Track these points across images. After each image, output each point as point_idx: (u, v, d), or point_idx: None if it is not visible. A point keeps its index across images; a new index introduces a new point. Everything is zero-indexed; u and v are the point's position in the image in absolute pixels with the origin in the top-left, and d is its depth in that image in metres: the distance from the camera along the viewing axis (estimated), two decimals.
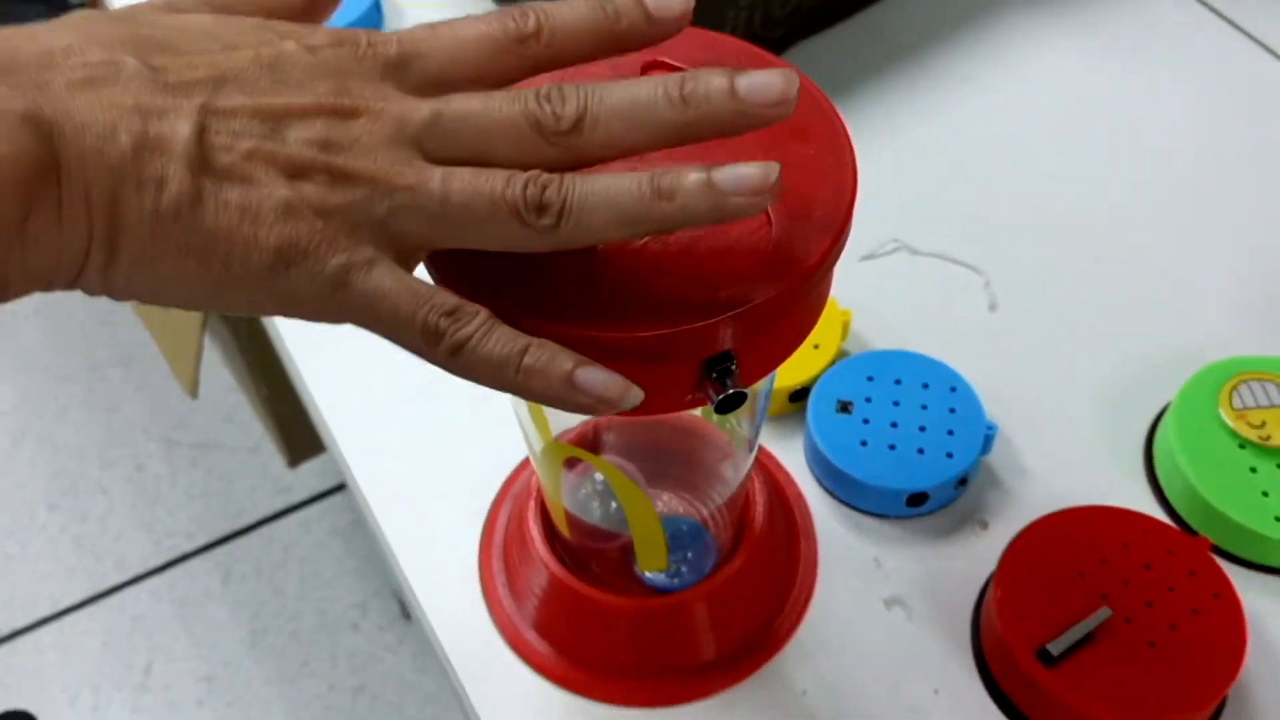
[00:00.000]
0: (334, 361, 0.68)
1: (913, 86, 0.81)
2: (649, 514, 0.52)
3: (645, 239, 0.40)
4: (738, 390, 0.39)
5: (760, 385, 0.50)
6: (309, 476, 1.67)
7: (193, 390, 1.28)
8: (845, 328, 0.65)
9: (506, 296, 0.38)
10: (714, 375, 0.39)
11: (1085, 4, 0.86)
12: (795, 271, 0.38)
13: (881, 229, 0.73)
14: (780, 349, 0.41)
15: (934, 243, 0.72)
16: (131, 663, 1.54)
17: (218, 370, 1.76)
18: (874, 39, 0.84)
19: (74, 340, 1.86)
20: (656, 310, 0.37)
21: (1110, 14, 0.86)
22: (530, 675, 0.57)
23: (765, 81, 0.36)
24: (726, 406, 0.39)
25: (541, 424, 0.50)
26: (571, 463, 0.56)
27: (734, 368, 0.39)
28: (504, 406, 0.62)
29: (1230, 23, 0.85)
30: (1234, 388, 0.62)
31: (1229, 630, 0.54)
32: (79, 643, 1.57)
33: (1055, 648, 0.52)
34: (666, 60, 0.44)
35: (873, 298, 0.69)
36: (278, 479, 1.70)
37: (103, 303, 1.86)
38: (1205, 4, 0.86)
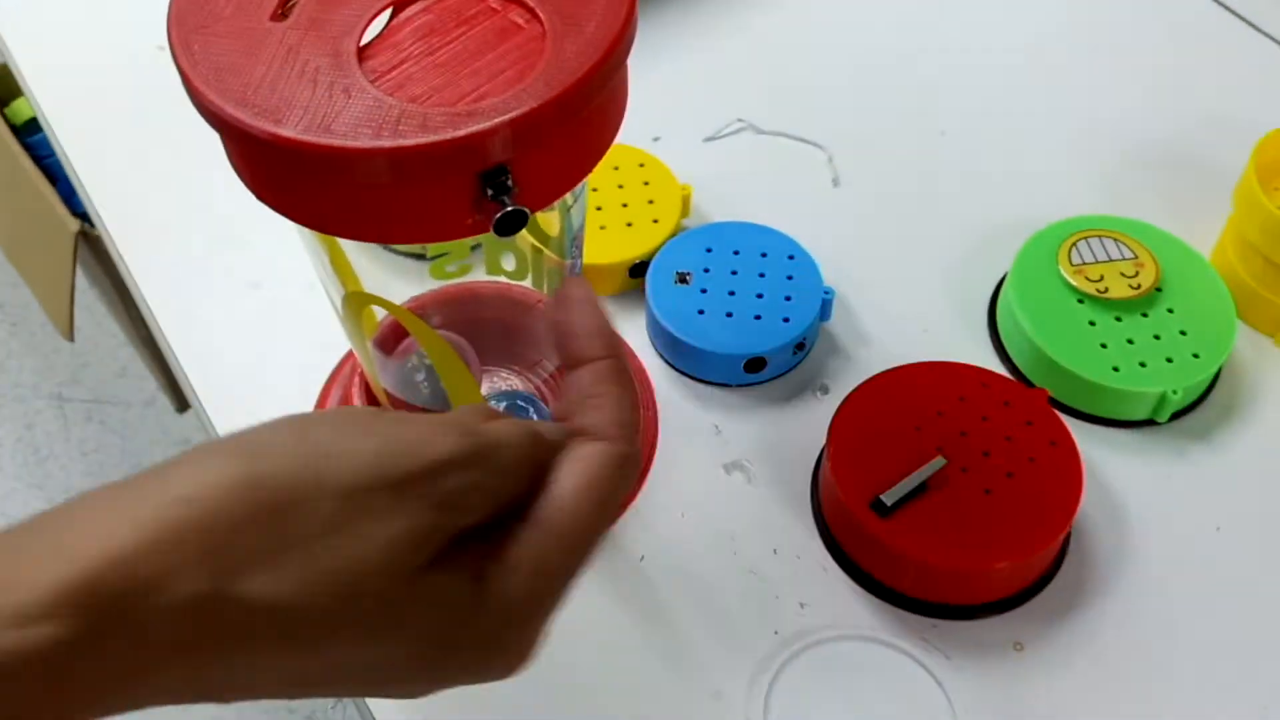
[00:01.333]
0: (174, 279, 0.66)
1: None
2: (465, 378, 0.50)
3: (412, 50, 0.38)
4: (517, 208, 0.37)
5: (567, 230, 0.48)
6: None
7: (67, 331, 1.24)
8: (685, 202, 0.64)
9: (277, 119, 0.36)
10: (489, 192, 0.37)
11: None
12: (567, 80, 0.37)
13: (726, 110, 0.72)
14: (564, 169, 0.39)
15: (778, 122, 0.71)
16: None
17: (106, 324, 1.72)
18: None
19: None
20: (420, 121, 0.36)
21: None
22: None
23: None
24: (506, 227, 0.37)
25: (345, 274, 0.48)
26: (389, 344, 0.55)
27: (509, 183, 0.37)
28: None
29: None
30: (1072, 245, 0.62)
31: (1065, 475, 0.53)
32: None
33: (889, 498, 0.52)
34: None
35: (717, 177, 0.67)
36: (176, 431, 1.66)
37: None
38: None
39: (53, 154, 1.31)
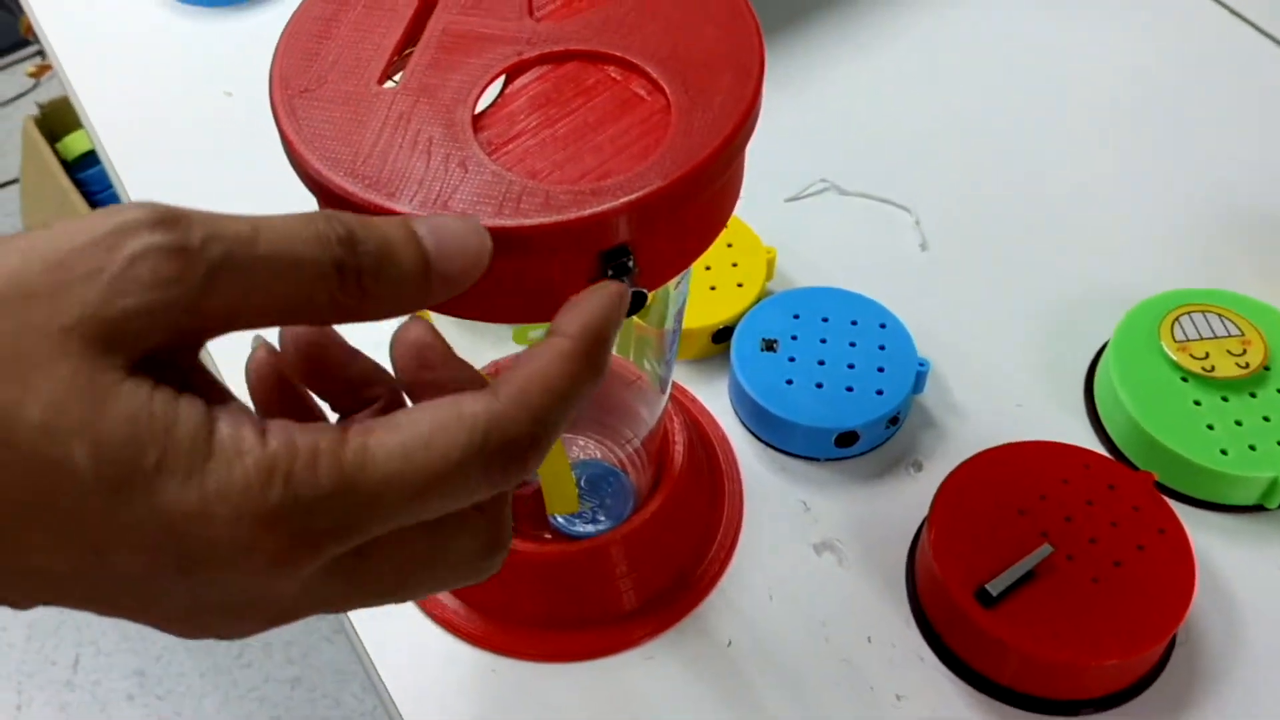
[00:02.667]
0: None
1: (840, 26, 0.78)
2: (554, 449, 0.48)
3: (530, 122, 0.36)
4: (637, 290, 0.35)
5: (670, 304, 0.46)
6: None
7: None
8: (770, 266, 0.62)
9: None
10: (610, 273, 0.35)
11: None
12: (695, 158, 0.35)
13: (809, 169, 0.70)
14: (684, 247, 0.37)
15: (862, 182, 0.69)
16: (57, 658, 1.48)
17: None
18: None
19: None
20: (543, 199, 0.34)
21: None
22: (438, 632, 0.52)
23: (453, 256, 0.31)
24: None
25: None
26: None
27: (631, 264, 0.35)
28: None
29: None
30: (1174, 320, 0.59)
31: (1177, 566, 0.51)
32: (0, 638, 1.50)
33: (994, 587, 0.49)
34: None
35: (799, 238, 0.65)
36: None
37: None
38: None
39: (103, 190, 1.30)
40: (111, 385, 0.26)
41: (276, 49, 0.38)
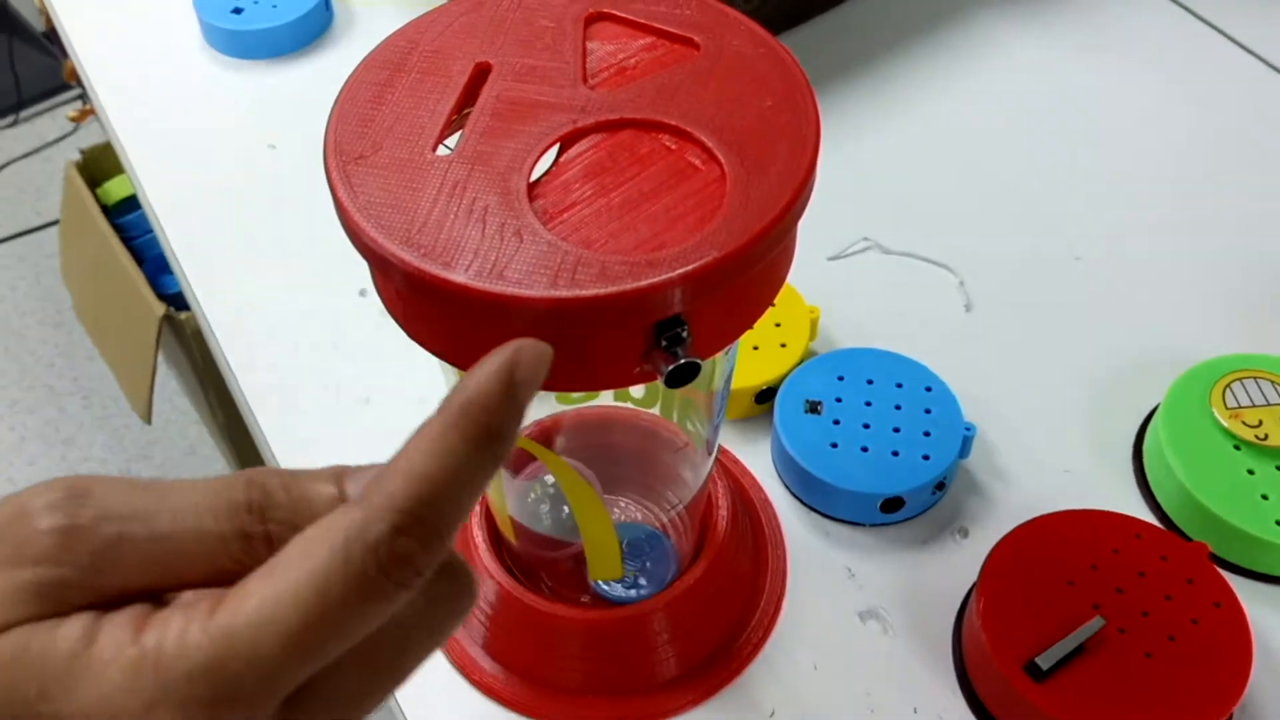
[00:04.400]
0: (274, 381, 0.64)
1: (882, 85, 0.78)
2: (600, 514, 0.47)
3: (585, 191, 0.36)
4: (690, 360, 0.35)
5: (717, 368, 0.46)
6: None
7: (145, 414, 1.23)
8: (813, 326, 0.61)
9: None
10: (663, 343, 0.35)
11: (1055, 4, 0.84)
12: (751, 229, 0.34)
13: (851, 228, 0.69)
14: (737, 317, 0.37)
15: (905, 242, 0.69)
16: None
17: (177, 400, 1.71)
18: (843, 36, 0.81)
19: (32, 371, 1.81)
20: (599, 270, 0.33)
21: (1082, 14, 0.83)
22: (477, 697, 0.52)
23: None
24: (678, 379, 0.35)
25: None
26: (518, 466, 0.52)
27: (685, 335, 0.35)
28: None
29: (1203, 20, 0.82)
30: (1227, 386, 0.58)
31: (1233, 641, 0.49)
32: None
33: (1044, 661, 0.48)
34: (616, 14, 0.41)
35: (842, 298, 0.65)
36: None
37: (62, 333, 1.82)
38: (1177, 3, 0.83)
39: (141, 235, 1.31)
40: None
41: (331, 115, 0.38)
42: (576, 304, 0.33)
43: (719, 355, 0.45)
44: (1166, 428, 0.57)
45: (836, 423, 0.57)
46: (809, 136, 0.37)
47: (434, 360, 0.38)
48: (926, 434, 0.57)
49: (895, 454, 0.56)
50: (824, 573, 0.55)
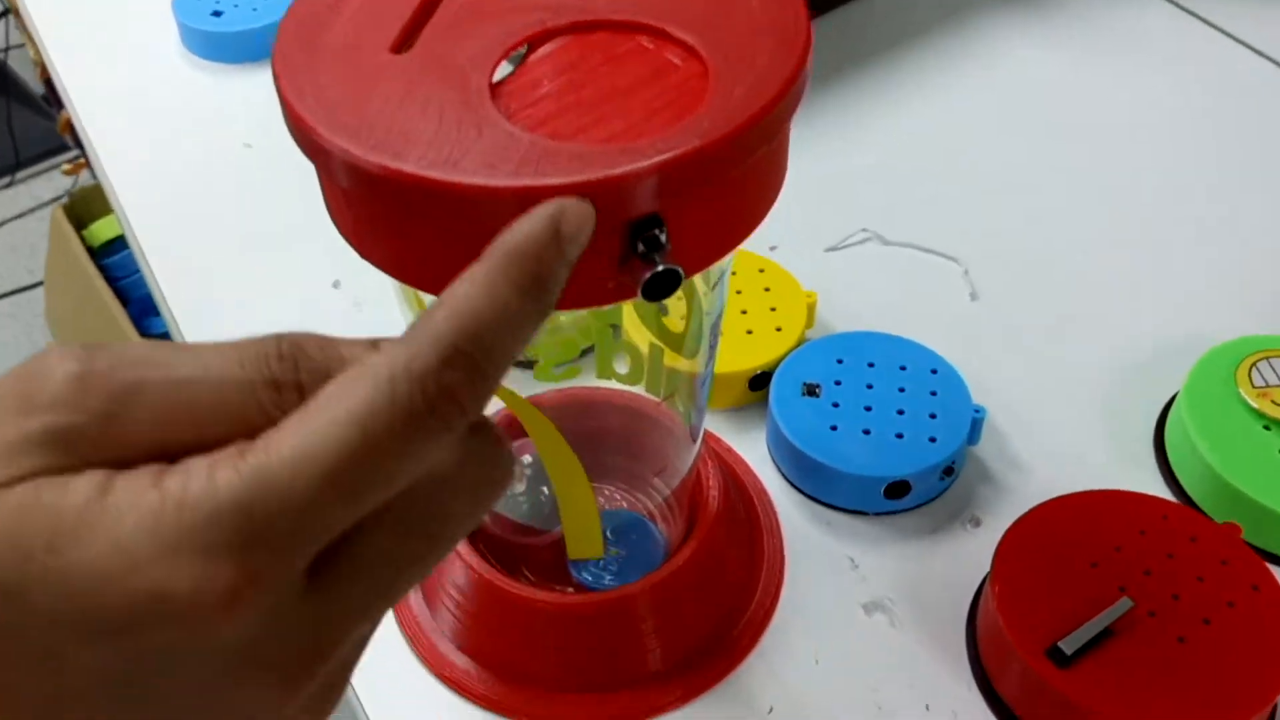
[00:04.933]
0: None
1: (881, 81, 0.75)
2: (578, 479, 0.43)
3: (552, 87, 0.33)
4: (669, 267, 0.31)
5: (703, 310, 0.42)
6: None
7: None
8: (811, 311, 0.58)
9: (398, 152, 0.30)
10: (640, 248, 0.31)
11: (1056, 5, 0.81)
12: (735, 120, 0.31)
13: (849, 219, 0.66)
14: (721, 227, 0.34)
15: (906, 233, 0.66)
16: None
17: None
18: (844, 34, 0.79)
19: None
20: (566, 158, 0.30)
21: (1082, 15, 0.81)
22: (447, 694, 0.48)
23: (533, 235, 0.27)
24: (656, 289, 0.31)
25: None
26: None
27: (663, 238, 0.31)
28: None
29: (1203, 20, 0.80)
30: (1252, 366, 0.55)
31: (1275, 624, 0.45)
32: None
33: (1068, 645, 0.44)
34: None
35: (841, 288, 0.62)
36: None
37: None
38: (1177, 4, 0.81)
39: (126, 276, 1.29)
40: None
41: (281, 22, 0.35)
42: (542, 193, 0.29)
43: (698, 305, 0.42)
44: (1191, 411, 0.54)
45: (836, 405, 0.54)
46: (799, 32, 0.34)
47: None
48: (933, 416, 0.53)
49: (899, 436, 0.52)
50: (825, 563, 0.51)
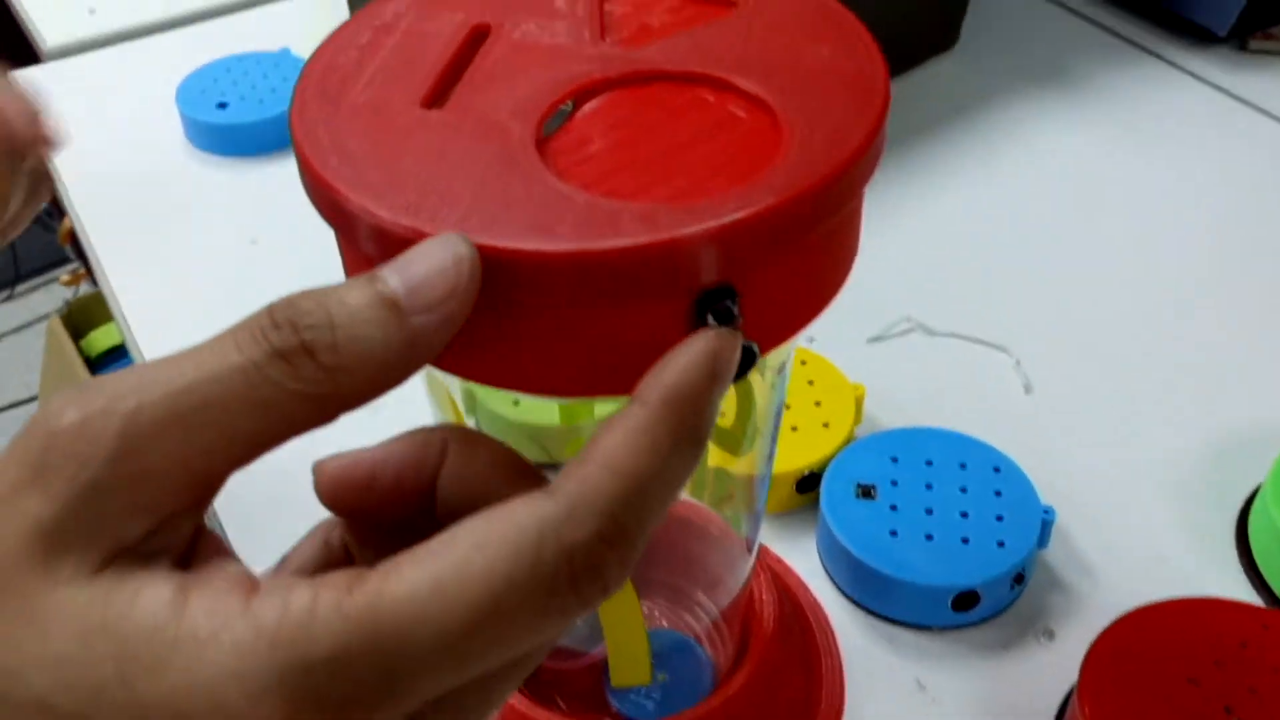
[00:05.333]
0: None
1: (916, 167, 0.72)
2: (627, 599, 0.39)
3: (606, 143, 0.29)
4: (745, 343, 0.27)
5: (762, 409, 0.38)
6: None
7: None
8: (858, 405, 0.54)
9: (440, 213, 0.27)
10: (710, 321, 0.27)
11: (1101, 87, 0.79)
12: (817, 173, 0.27)
13: (892, 308, 0.63)
14: (796, 299, 0.30)
15: (951, 322, 0.62)
16: None
17: None
18: (891, 111, 0.76)
19: None
20: (627, 219, 0.26)
21: (1120, 95, 0.78)
22: None
23: (428, 279, 0.24)
24: None
25: None
26: None
27: (736, 310, 0.27)
28: None
29: (1240, 99, 0.77)
30: None
31: None
32: None
33: None
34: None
35: (886, 380, 0.57)
36: None
37: None
38: (1216, 87, 0.78)
39: None
40: (47, 602, 0.22)
41: (298, 80, 0.31)
42: (600, 260, 0.25)
43: (749, 396, 0.38)
44: (1277, 504, 0.49)
45: (894, 508, 0.49)
46: (877, 81, 0.30)
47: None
48: (999, 518, 0.49)
49: (965, 541, 0.48)
50: (889, 686, 0.46)
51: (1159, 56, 0.82)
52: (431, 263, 0.24)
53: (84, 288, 1.73)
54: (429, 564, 0.22)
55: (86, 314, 1.27)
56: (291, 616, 0.21)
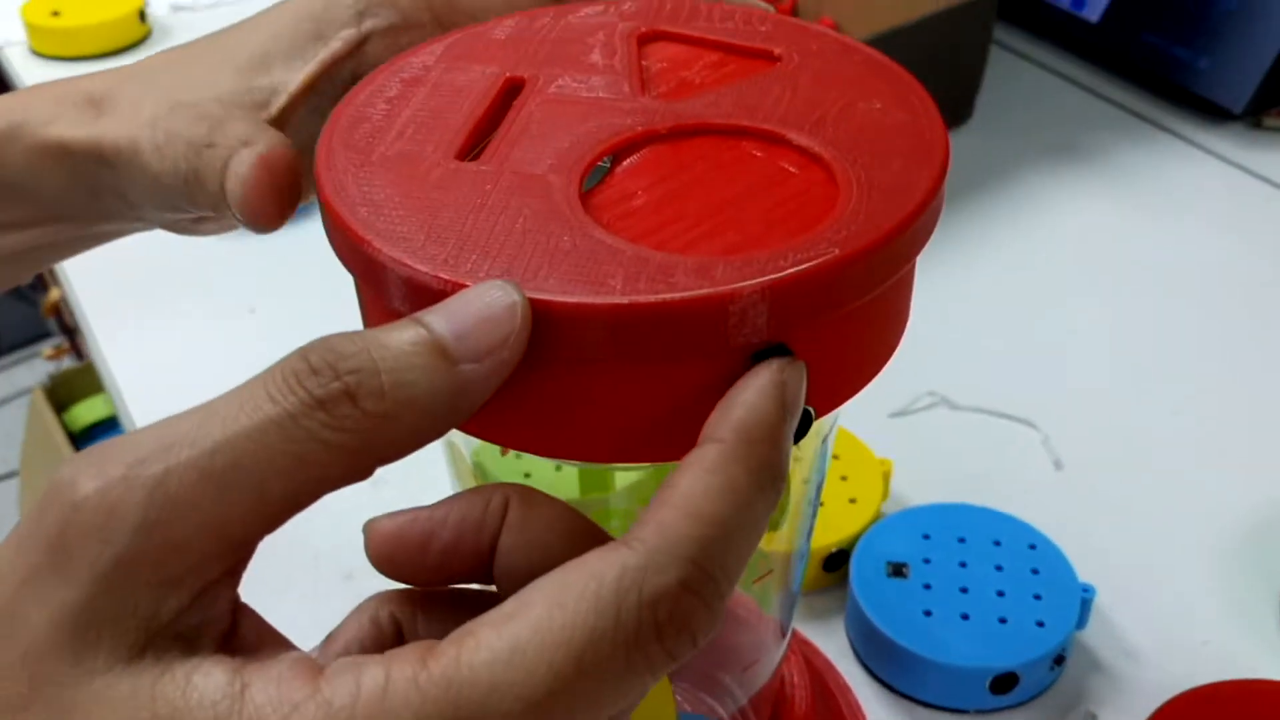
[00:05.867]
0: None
1: (941, 238, 0.70)
2: (659, 687, 0.37)
3: (651, 196, 0.28)
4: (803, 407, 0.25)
5: (804, 484, 0.36)
6: None
7: None
8: (886, 481, 0.52)
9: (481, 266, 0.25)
10: None
11: (1116, 162, 0.79)
12: (879, 227, 0.26)
13: (914, 382, 0.61)
14: (851, 360, 0.28)
15: (975, 397, 0.60)
16: None
17: None
18: None
19: None
20: (678, 272, 0.25)
21: (1137, 169, 0.78)
22: None
23: (479, 325, 0.23)
24: None
25: None
26: None
27: None
28: None
29: (1258, 176, 0.77)
30: None
31: None
32: None
33: None
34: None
35: (912, 456, 0.56)
36: None
37: None
38: (1232, 163, 0.78)
39: None
40: (85, 694, 0.20)
41: (324, 131, 0.30)
42: (653, 312, 0.24)
43: (804, 452, 0.36)
44: None
45: (927, 587, 0.47)
46: (935, 134, 0.29)
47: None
48: (1037, 597, 0.47)
49: (1003, 621, 0.46)
50: None
51: (1174, 133, 0.82)
52: (482, 308, 0.23)
53: (67, 362, 1.71)
54: (506, 628, 0.20)
55: (70, 388, 1.25)
56: (366, 695, 0.19)
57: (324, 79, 0.34)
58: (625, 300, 0.24)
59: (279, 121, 0.34)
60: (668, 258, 0.25)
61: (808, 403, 0.26)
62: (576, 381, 0.26)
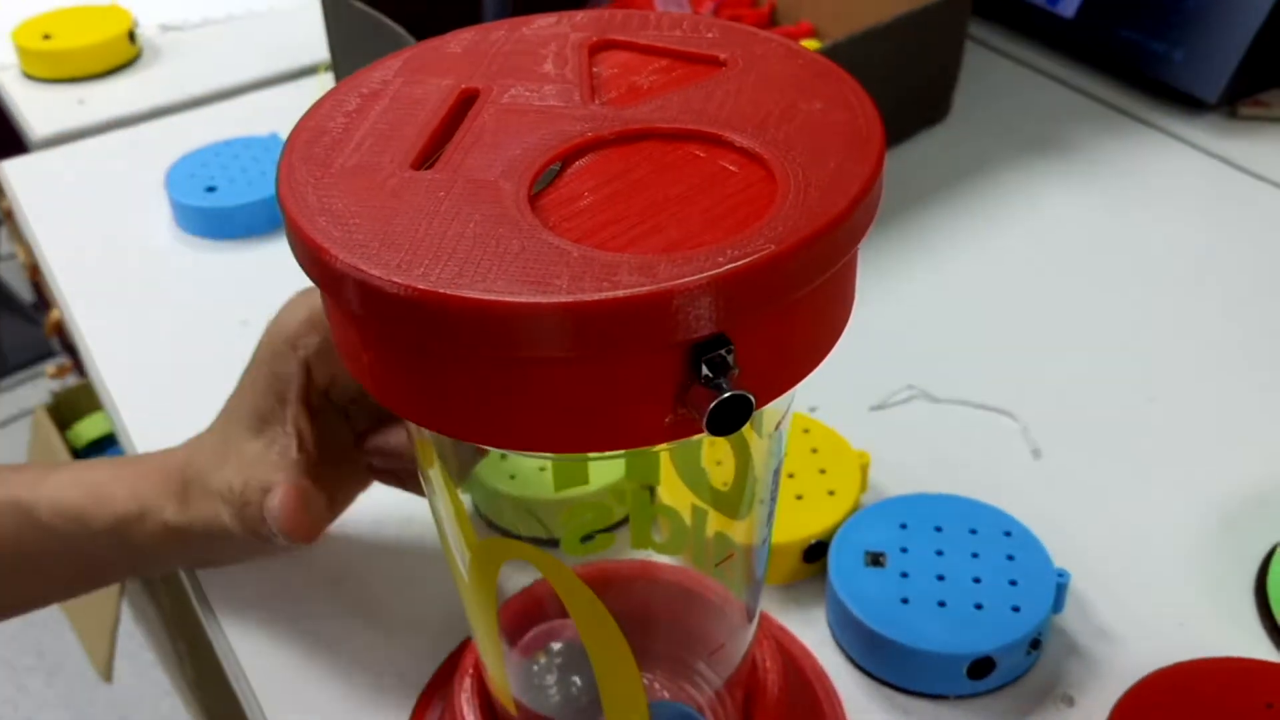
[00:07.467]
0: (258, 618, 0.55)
1: (919, 234, 0.72)
2: (625, 669, 0.38)
3: (597, 197, 0.29)
4: (737, 394, 0.26)
5: (759, 468, 0.37)
6: None
7: (106, 672, 1.12)
8: (864, 473, 0.53)
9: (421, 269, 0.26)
10: (705, 372, 0.26)
11: (1094, 155, 0.79)
12: (814, 223, 0.27)
13: (893, 376, 0.62)
14: (791, 353, 0.29)
15: (955, 388, 0.61)
16: None
17: (151, 671, 1.58)
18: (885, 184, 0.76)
19: None
20: (621, 270, 0.26)
21: (1116, 162, 0.79)
22: None
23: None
24: (723, 420, 0.27)
25: (467, 532, 0.37)
26: (516, 631, 0.43)
27: (731, 360, 0.27)
28: (419, 606, 0.49)
29: (1235, 166, 0.77)
30: None
31: None
32: None
33: None
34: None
35: (890, 449, 0.57)
36: None
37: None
38: (1208, 153, 0.79)
39: None
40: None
41: (285, 145, 0.31)
42: (597, 310, 0.25)
43: (748, 457, 0.37)
44: None
45: (904, 575, 0.48)
46: (872, 132, 0.30)
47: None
48: (1013, 583, 0.47)
49: (979, 607, 0.47)
50: None
51: (1151, 125, 0.82)
52: None
53: (70, 380, 1.72)
54: None
55: (73, 405, 1.26)
56: None
57: (307, 404, 0.44)
58: (570, 299, 0.25)
59: (307, 450, 0.44)
60: (613, 257, 0.26)
61: (749, 390, 0.27)
62: (528, 378, 0.27)
